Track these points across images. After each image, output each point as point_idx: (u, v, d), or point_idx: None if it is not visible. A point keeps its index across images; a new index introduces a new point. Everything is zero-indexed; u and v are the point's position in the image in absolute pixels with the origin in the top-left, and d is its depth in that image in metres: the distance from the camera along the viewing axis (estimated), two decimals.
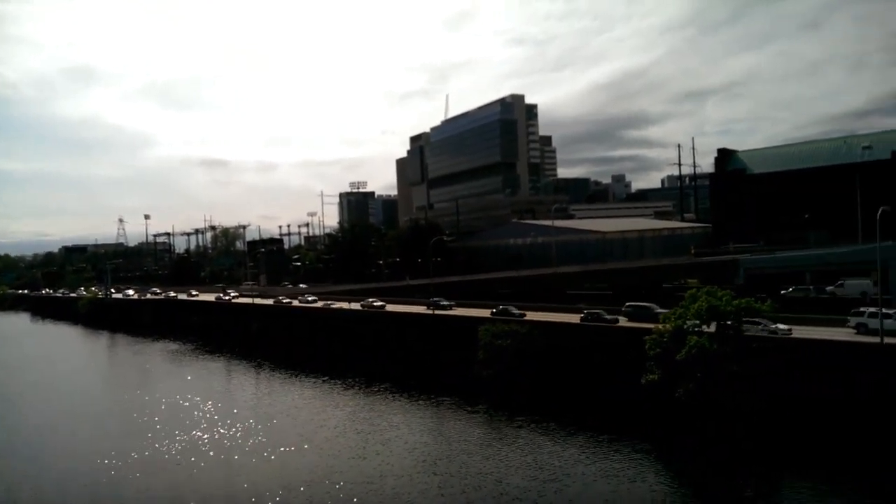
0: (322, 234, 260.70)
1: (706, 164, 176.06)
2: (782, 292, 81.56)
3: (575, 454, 40.99)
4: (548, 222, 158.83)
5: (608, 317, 61.96)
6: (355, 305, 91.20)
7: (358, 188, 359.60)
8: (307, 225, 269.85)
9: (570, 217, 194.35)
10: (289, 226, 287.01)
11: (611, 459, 39.64)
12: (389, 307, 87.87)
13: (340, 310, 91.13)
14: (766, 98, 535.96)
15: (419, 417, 52.98)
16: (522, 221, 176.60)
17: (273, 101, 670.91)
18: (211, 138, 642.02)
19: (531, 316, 68.43)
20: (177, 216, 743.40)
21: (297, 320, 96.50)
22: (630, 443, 42.65)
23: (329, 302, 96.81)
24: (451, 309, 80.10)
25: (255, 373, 78.04)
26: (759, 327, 49.00)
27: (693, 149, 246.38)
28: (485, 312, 73.24)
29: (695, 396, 44.36)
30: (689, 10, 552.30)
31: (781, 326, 49.64)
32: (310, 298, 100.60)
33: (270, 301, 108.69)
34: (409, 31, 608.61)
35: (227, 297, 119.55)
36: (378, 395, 61.26)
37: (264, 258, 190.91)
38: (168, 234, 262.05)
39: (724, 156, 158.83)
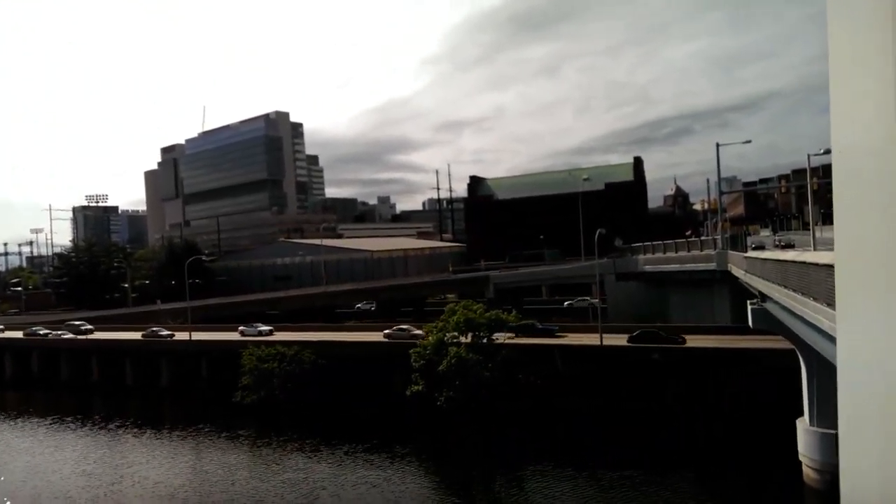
0: (50, 254, 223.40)
1: (462, 189, 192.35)
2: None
3: (332, 468, 41.71)
4: (317, 241, 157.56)
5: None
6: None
7: (97, 202, 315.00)
8: (31, 243, 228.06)
9: (340, 236, 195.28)
10: (6, 244, 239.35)
11: (365, 468, 41.23)
12: (126, 336, 79.13)
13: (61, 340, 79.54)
14: (509, 132, 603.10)
15: (167, 452, 48.30)
16: (291, 240, 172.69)
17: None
18: None
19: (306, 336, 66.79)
20: None
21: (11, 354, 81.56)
22: (387, 451, 44.40)
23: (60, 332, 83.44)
24: (171, 337, 74.48)
25: None
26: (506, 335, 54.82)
27: (449, 175, 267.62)
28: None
29: (454, 403, 47.97)
30: (446, 48, 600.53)
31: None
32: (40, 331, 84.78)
33: None
34: (178, 40, 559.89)
35: None
36: (117, 433, 54.55)
37: None
38: None
39: (475, 182, 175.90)
